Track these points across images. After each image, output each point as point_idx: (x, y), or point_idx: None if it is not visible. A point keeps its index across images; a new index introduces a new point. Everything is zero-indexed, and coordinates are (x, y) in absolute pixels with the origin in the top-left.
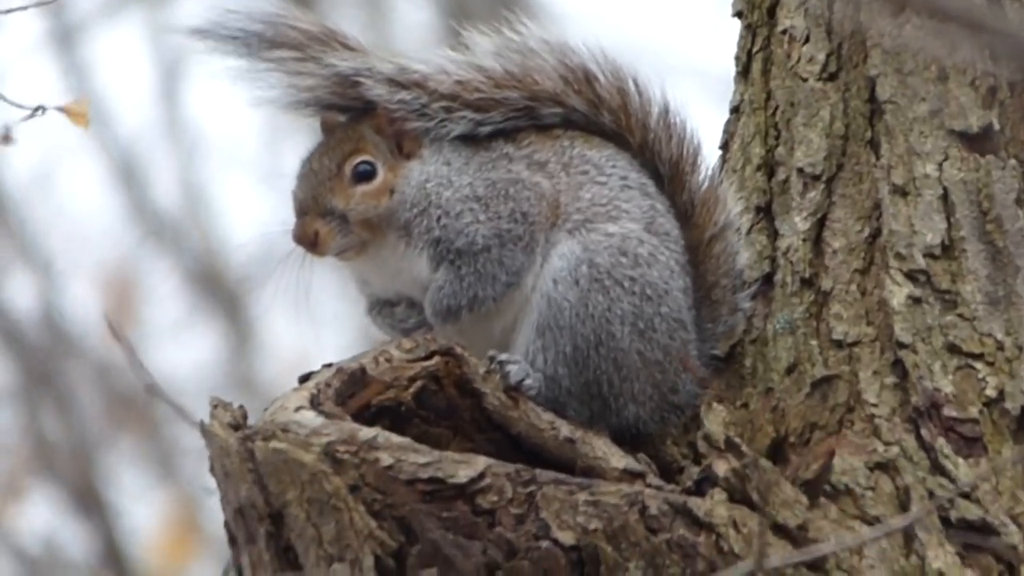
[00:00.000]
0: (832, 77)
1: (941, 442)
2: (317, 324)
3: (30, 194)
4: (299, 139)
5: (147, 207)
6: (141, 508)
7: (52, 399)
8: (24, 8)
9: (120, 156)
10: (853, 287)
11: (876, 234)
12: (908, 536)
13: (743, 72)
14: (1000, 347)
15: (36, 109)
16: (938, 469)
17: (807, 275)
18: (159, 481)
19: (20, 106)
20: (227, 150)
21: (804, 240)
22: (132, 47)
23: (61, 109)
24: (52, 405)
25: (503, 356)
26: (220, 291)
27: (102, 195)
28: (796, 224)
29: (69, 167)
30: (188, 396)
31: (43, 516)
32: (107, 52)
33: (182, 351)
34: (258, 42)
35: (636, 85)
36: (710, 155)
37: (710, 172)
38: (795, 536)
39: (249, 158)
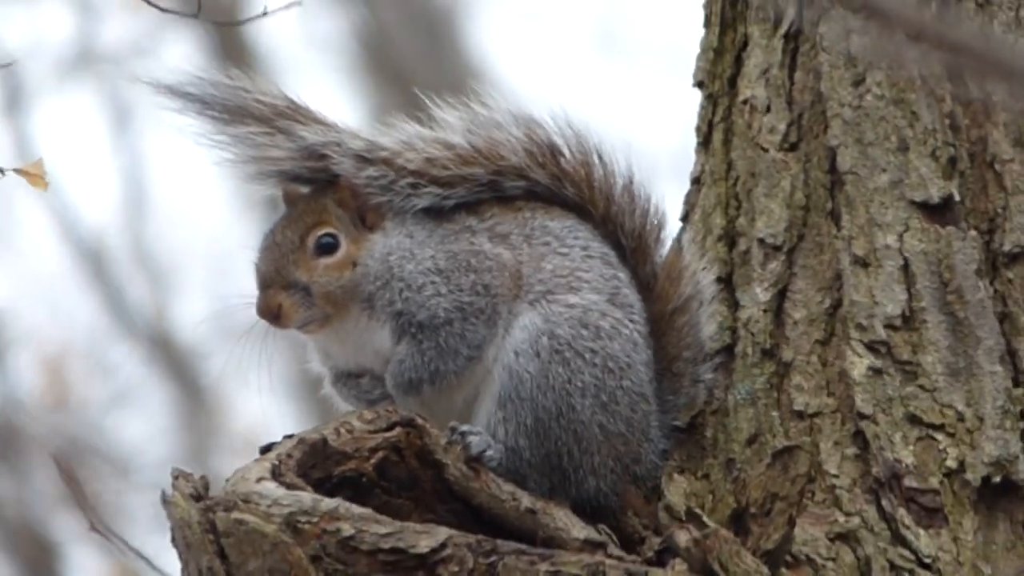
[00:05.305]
0: (793, 147)
1: (902, 513)
2: (277, 396)
3: None
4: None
5: (106, 280)
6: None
7: (6, 468)
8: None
9: (80, 234)
10: (814, 358)
11: (837, 305)
12: None
13: (704, 142)
14: (961, 418)
15: None
16: (899, 540)
17: (768, 346)
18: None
19: None
20: (186, 220)
21: (765, 311)
22: (92, 121)
23: (18, 171)
24: (6, 474)
25: (464, 427)
26: (175, 363)
27: (58, 266)
28: (757, 295)
29: (24, 238)
30: (143, 467)
31: None
32: (66, 127)
33: (136, 420)
34: (225, 113)
35: (600, 157)
36: (674, 227)
37: (673, 244)
38: None
39: (210, 229)
